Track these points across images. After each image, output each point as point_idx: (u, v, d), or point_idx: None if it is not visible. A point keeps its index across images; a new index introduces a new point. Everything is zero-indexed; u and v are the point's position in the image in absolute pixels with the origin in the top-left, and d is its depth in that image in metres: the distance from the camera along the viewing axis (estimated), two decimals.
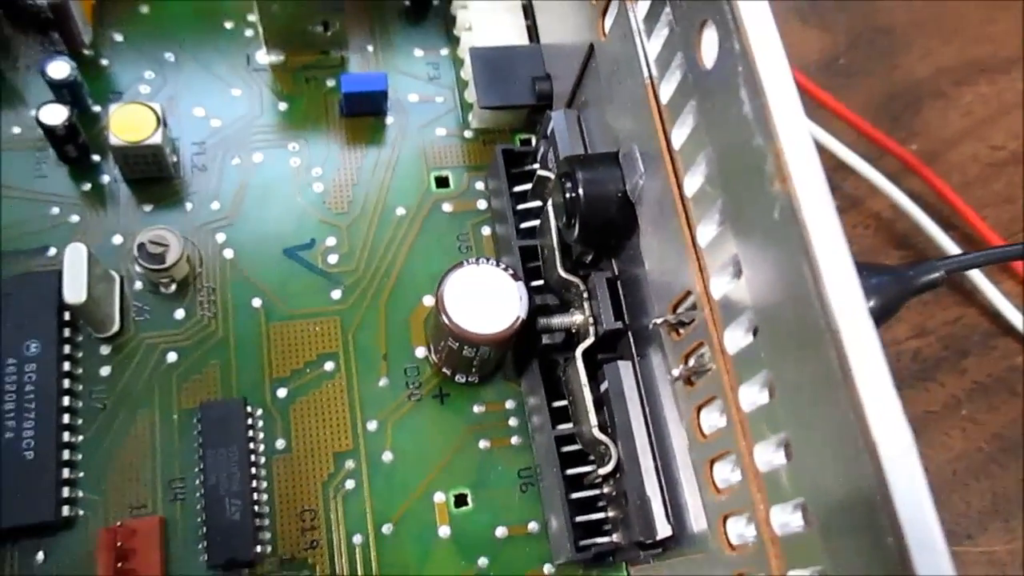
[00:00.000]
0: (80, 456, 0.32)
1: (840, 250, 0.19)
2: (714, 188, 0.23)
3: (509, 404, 0.35)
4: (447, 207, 0.38)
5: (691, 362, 0.26)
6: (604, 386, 0.31)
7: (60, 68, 0.34)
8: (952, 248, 0.43)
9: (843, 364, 0.18)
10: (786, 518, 0.22)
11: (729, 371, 0.24)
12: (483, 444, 0.34)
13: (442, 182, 0.38)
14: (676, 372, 0.26)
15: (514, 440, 0.35)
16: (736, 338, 0.23)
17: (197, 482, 0.32)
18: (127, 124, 0.34)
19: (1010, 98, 0.47)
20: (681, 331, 0.27)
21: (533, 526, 0.33)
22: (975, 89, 0.47)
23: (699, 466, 0.26)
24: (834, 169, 0.44)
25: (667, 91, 0.26)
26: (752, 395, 0.23)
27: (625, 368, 0.30)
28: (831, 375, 0.18)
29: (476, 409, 0.35)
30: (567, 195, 0.30)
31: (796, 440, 0.21)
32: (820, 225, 0.19)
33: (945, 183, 0.44)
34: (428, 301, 0.36)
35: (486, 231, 0.38)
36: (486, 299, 0.31)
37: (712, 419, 0.25)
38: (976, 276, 0.43)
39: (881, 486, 0.17)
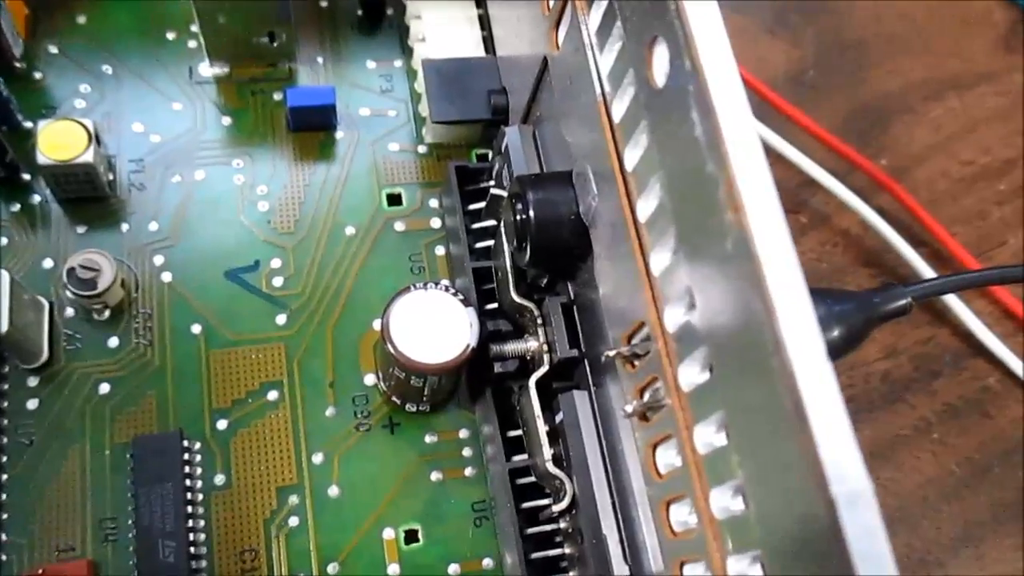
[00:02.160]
0: (4, 496, 0.30)
1: (796, 286, 0.17)
2: (667, 214, 0.22)
3: (463, 433, 0.34)
4: (399, 226, 0.36)
5: (646, 396, 0.25)
6: (559, 417, 0.30)
7: None
8: (922, 266, 0.42)
9: (798, 408, 0.17)
10: (743, 568, 0.20)
11: (684, 409, 0.22)
12: (435, 476, 0.33)
13: (394, 199, 0.37)
14: (630, 408, 0.24)
15: (468, 471, 0.33)
16: (691, 374, 0.22)
17: (130, 522, 0.30)
18: (56, 141, 0.32)
19: (979, 113, 0.46)
20: (636, 363, 0.25)
21: (488, 562, 0.32)
22: (944, 104, 0.46)
23: (655, 506, 0.25)
24: (801, 185, 0.43)
25: (620, 109, 0.25)
26: (708, 435, 0.21)
27: (581, 398, 0.29)
28: (786, 419, 0.17)
29: (428, 439, 0.33)
30: (518, 217, 0.28)
31: (752, 487, 0.19)
32: (774, 259, 0.17)
33: (914, 199, 0.43)
34: (378, 325, 0.34)
35: (440, 251, 0.36)
36: (435, 326, 0.30)
37: (668, 457, 0.24)
38: (947, 296, 0.42)
39: (837, 536, 0.16)
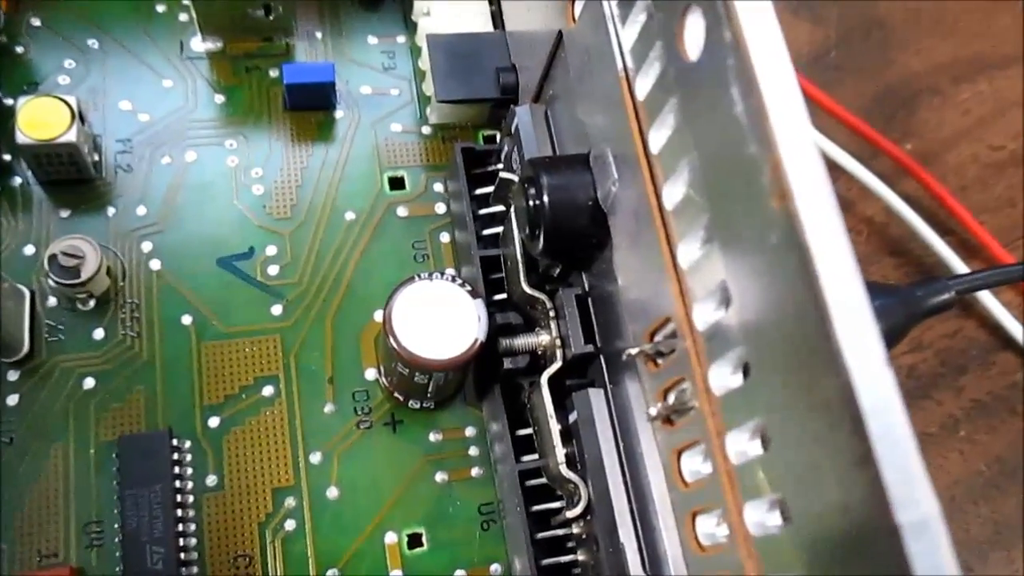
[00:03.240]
0: None
1: (853, 285, 0.15)
2: (698, 201, 0.20)
3: (469, 431, 0.32)
4: (402, 211, 0.34)
5: (671, 399, 0.23)
6: (573, 416, 0.28)
7: None
8: (949, 256, 0.40)
9: (855, 421, 0.15)
10: None
11: (715, 414, 0.20)
12: (440, 477, 0.31)
13: (397, 183, 0.35)
14: (654, 411, 0.22)
15: (475, 471, 0.31)
16: (723, 376, 0.20)
17: (116, 526, 0.28)
18: (37, 120, 0.30)
19: (1010, 96, 0.44)
20: (659, 362, 0.23)
21: (496, 568, 0.30)
22: (973, 87, 0.44)
23: (680, 517, 0.23)
24: None
25: (644, 86, 0.23)
26: (741, 443, 0.20)
27: (596, 397, 0.27)
28: (838, 430, 0.15)
29: (433, 437, 0.31)
30: (531, 203, 0.26)
31: (794, 502, 0.18)
32: (827, 252, 0.15)
33: (942, 186, 0.41)
34: (380, 317, 0.32)
35: (445, 238, 0.34)
36: (440, 319, 0.28)
37: (695, 465, 0.22)
38: None
39: (901, 567, 0.14)
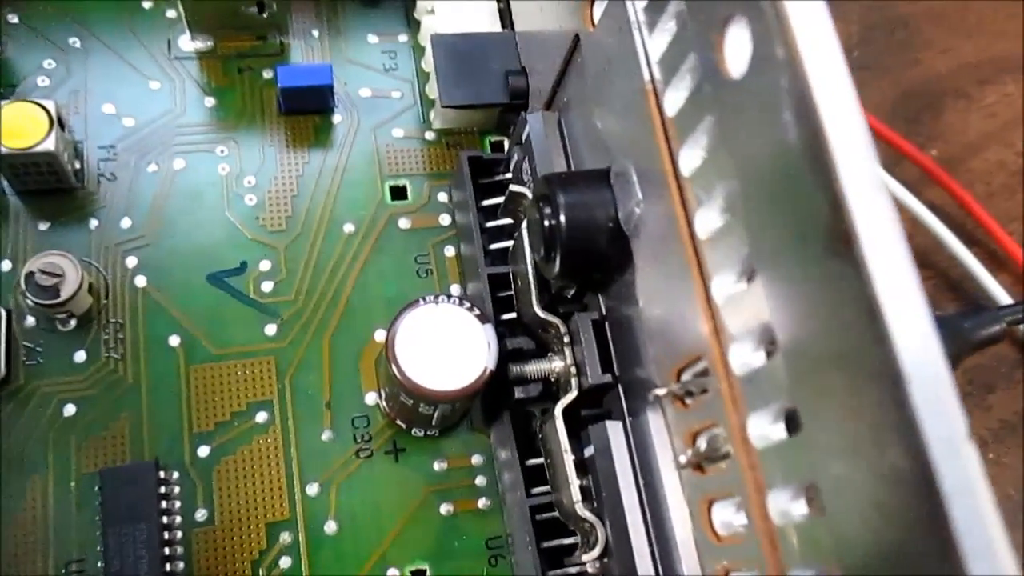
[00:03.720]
0: None
1: (930, 348, 0.13)
2: (738, 233, 0.18)
3: (476, 459, 0.30)
4: (404, 223, 0.33)
5: (701, 443, 0.21)
6: (589, 451, 0.26)
7: None
8: (977, 269, 0.38)
9: (932, 499, 0.13)
10: None
11: (754, 468, 0.18)
12: (445, 508, 0.29)
13: (399, 193, 0.33)
14: (683, 459, 0.21)
15: (482, 503, 0.29)
16: (763, 426, 0.18)
17: (100, 564, 0.26)
18: (13, 127, 0.28)
19: None
20: (688, 401, 0.21)
21: None
22: (1000, 89, 0.42)
23: (710, 569, 0.21)
24: None
25: (675, 101, 0.21)
26: (784, 502, 0.18)
27: (614, 430, 0.25)
28: (907, 498, 0.13)
29: (437, 466, 0.30)
30: (545, 222, 0.24)
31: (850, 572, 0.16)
32: (901, 312, 0.14)
33: (968, 193, 0.39)
34: (381, 336, 0.31)
35: (450, 252, 0.32)
36: (447, 346, 0.26)
37: (727, 516, 0.20)
38: (1003, 297, 0.38)
39: None
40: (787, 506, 0.18)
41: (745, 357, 0.19)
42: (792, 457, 0.17)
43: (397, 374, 0.25)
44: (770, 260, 0.17)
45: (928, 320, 0.13)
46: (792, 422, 0.17)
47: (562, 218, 0.24)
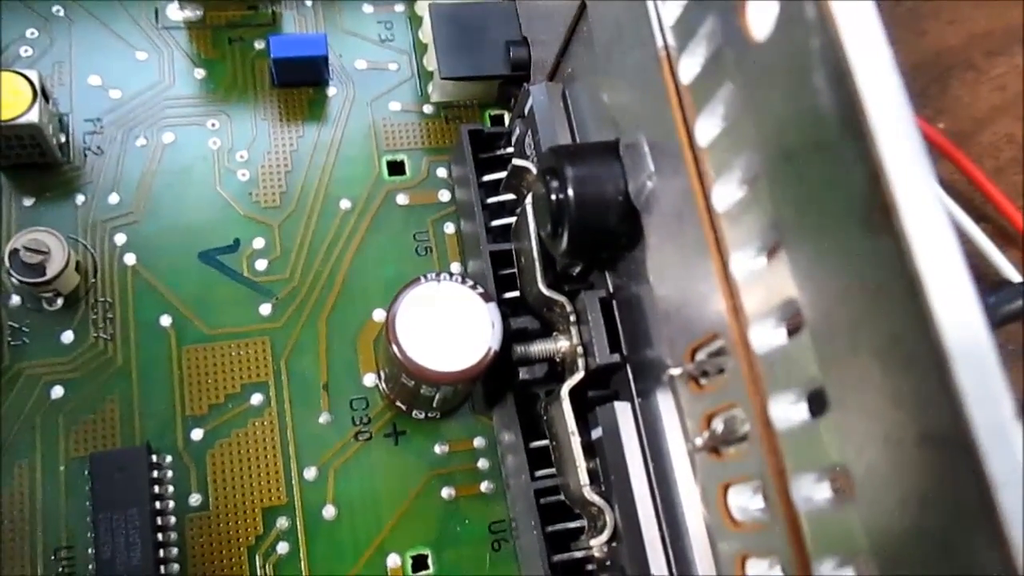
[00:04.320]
0: None
1: (974, 323, 0.13)
2: (761, 206, 0.17)
3: (478, 442, 0.29)
4: (402, 199, 0.32)
5: (717, 425, 0.20)
6: (596, 433, 0.25)
7: None
8: (987, 245, 0.37)
9: (978, 477, 0.12)
10: None
11: (775, 451, 0.18)
12: (447, 492, 0.28)
13: (396, 168, 0.32)
14: (699, 441, 0.20)
15: (484, 486, 0.29)
16: (785, 408, 0.17)
17: (90, 551, 0.25)
18: None
19: None
20: (703, 382, 0.21)
21: None
22: (1010, 60, 0.41)
23: (726, 558, 0.20)
24: None
25: (690, 68, 0.20)
26: (808, 487, 0.17)
27: (623, 411, 0.25)
28: (955, 486, 0.13)
29: (438, 449, 0.29)
30: (552, 196, 0.23)
31: (885, 564, 0.15)
32: (946, 290, 0.13)
33: (977, 168, 0.38)
34: (379, 316, 0.30)
35: (450, 229, 0.32)
36: (449, 326, 0.25)
37: (744, 501, 0.20)
38: (1011, 273, 0.37)
39: None
40: (811, 491, 0.17)
41: (765, 335, 0.18)
42: (818, 440, 0.16)
43: (398, 355, 0.25)
44: (797, 234, 0.16)
45: (974, 299, 0.13)
46: (817, 403, 0.17)
47: (570, 191, 0.23)
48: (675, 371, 0.21)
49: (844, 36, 0.14)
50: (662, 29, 0.21)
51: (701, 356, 0.21)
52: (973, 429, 0.12)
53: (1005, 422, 0.12)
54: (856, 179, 0.14)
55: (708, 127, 0.19)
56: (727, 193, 0.19)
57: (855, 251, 0.14)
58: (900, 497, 0.14)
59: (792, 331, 0.17)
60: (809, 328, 0.16)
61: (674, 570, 0.23)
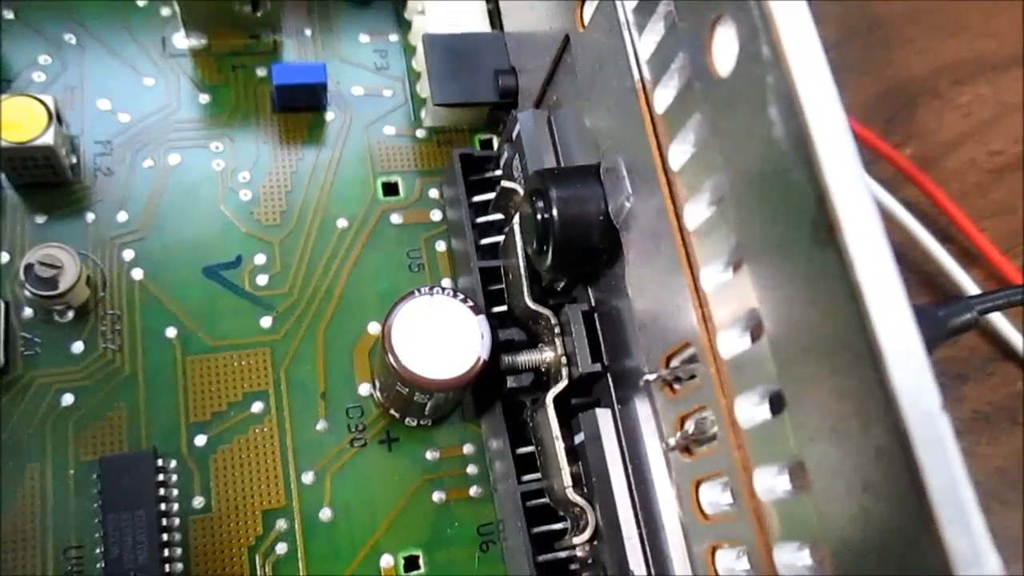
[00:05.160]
0: None
1: (908, 331, 0.14)
2: (726, 224, 0.19)
3: (468, 448, 0.31)
4: (396, 218, 0.33)
5: (689, 426, 0.22)
6: (579, 438, 0.27)
7: None
8: (950, 265, 0.39)
9: (910, 462, 0.14)
10: None
11: (741, 447, 0.19)
12: (438, 496, 0.30)
13: (391, 189, 0.34)
14: (672, 441, 0.21)
15: (473, 491, 0.30)
16: (749, 408, 0.19)
17: (98, 551, 0.26)
18: (12, 120, 0.28)
19: (1010, 99, 0.43)
20: (677, 387, 0.22)
21: None
22: (974, 89, 0.43)
23: (698, 550, 0.22)
24: None
25: (664, 98, 0.21)
26: (770, 480, 0.19)
27: (604, 417, 0.26)
28: (893, 478, 0.14)
29: (429, 455, 0.30)
30: (538, 216, 0.25)
31: (839, 549, 0.17)
32: (881, 297, 0.14)
33: (942, 191, 0.40)
34: (374, 329, 0.31)
35: (441, 246, 0.33)
36: (441, 336, 0.27)
37: (715, 496, 0.21)
38: (975, 292, 0.39)
39: None
40: (772, 483, 0.19)
41: (732, 342, 0.20)
42: (777, 436, 0.18)
43: (393, 363, 0.26)
44: (757, 250, 0.18)
45: (906, 303, 0.14)
46: (777, 402, 0.18)
47: (555, 211, 0.24)
48: (650, 376, 0.22)
49: (794, 73, 0.16)
50: (639, 63, 0.23)
51: (675, 363, 0.22)
52: (904, 419, 0.14)
53: (933, 413, 0.14)
54: (807, 201, 0.16)
55: (680, 152, 0.21)
56: (697, 212, 0.20)
57: (807, 265, 0.16)
58: (846, 483, 0.16)
59: (756, 338, 0.19)
60: (768, 335, 0.18)
61: (651, 565, 0.25)
